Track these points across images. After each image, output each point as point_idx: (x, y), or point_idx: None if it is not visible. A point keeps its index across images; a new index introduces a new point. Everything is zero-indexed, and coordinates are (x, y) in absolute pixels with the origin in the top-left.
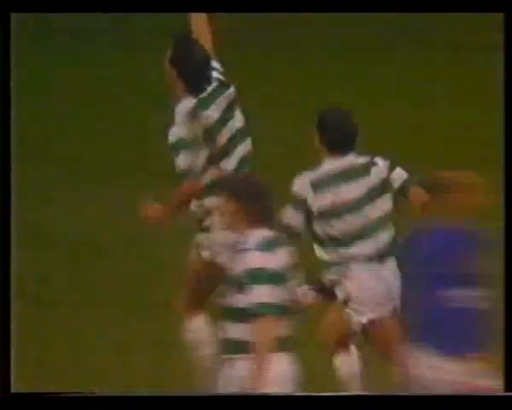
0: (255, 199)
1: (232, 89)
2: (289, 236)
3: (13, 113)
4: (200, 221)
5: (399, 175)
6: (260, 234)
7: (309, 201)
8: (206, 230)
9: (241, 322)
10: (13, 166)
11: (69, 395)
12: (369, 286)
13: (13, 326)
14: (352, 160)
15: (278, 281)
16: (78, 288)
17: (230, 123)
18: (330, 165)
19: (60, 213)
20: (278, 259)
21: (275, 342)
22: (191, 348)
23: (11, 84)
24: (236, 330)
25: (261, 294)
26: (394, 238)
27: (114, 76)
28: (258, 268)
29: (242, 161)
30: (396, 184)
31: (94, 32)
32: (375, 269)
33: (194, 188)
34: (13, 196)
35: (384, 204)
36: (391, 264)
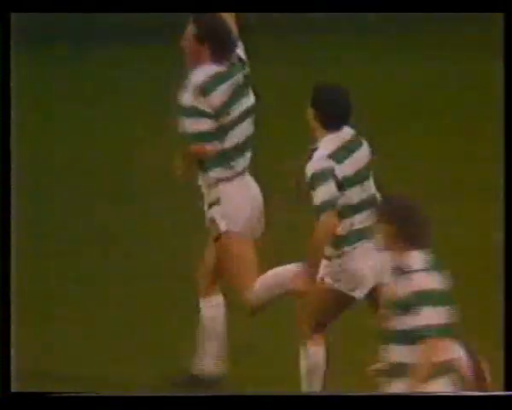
0: (413, 221)
1: (247, 69)
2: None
3: (13, 113)
4: (206, 196)
5: None
6: (422, 256)
7: (336, 171)
8: (215, 202)
9: (405, 345)
10: (13, 166)
11: (69, 395)
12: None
13: (13, 326)
14: (349, 132)
15: (446, 302)
16: (79, 288)
17: (238, 103)
18: (330, 140)
19: (60, 213)
20: (443, 280)
21: (438, 365)
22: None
23: (11, 84)
24: (400, 353)
25: (430, 316)
26: None
27: (114, 76)
28: (426, 290)
29: (245, 141)
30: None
31: (94, 32)
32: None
33: (200, 151)
34: (13, 196)
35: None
36: None
